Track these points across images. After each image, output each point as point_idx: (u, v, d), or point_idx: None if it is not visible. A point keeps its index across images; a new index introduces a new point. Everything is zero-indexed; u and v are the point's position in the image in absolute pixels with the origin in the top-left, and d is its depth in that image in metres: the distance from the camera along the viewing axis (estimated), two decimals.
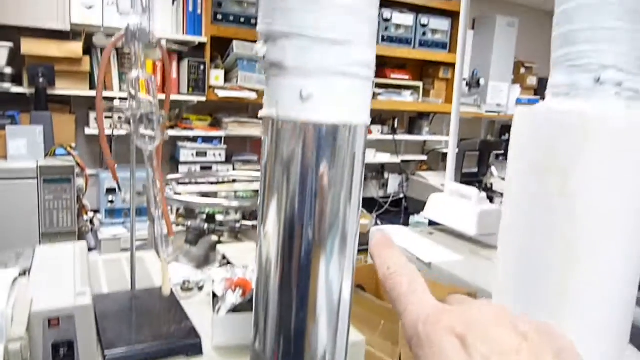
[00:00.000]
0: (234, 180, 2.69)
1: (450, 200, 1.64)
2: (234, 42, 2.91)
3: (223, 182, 2.92)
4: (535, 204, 0.70)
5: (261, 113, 0.62)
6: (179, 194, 2.30)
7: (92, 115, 2.82)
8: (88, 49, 2.72)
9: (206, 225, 1.63)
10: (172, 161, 3.02)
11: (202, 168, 2.97)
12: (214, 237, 1.68)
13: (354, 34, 0.54)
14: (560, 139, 0.66)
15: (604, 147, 0.65)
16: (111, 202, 2.72)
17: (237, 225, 1.69)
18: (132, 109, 0.80)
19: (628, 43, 0.67)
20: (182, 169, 2.91)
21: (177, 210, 1.72)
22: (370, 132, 3.50)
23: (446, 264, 1.34)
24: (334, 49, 0.54)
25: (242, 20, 2.97)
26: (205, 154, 2.97)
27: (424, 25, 3.53)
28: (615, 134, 0.65)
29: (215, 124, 3.10)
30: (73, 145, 2.58)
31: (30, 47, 2.50)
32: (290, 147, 0.57)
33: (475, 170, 3.75)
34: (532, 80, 4.21)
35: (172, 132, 2.90)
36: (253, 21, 2.95)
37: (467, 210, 1.55)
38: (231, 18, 2.96)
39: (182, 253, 1.67)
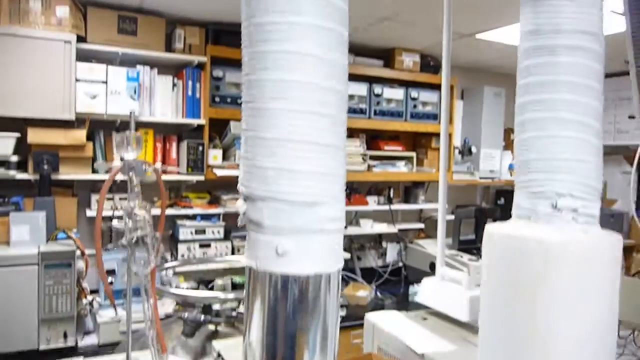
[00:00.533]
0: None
1: (441, 285, 1.67)
2: (231, 123, 3.03)
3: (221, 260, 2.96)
4: (507, 321, 0.74)
5: (242, 261, 0.68)
6: (177, 273, 2.34)
7: (94, 198, 2.89)
8: (91, 134, 2.83)
9: (203, 317, 1.65)
10: (171, 239, 3.07)
11: (201, 245, 3.01)
12: (211, 327, 1.70)
13: (324, 195, 0.61)
14: (525, 263, 0.71)
15: (564, 271, 0.70)
16: (110, 283, 2.73)
17: (234, 313, 1.71)
18: (129, 233, 0.86)
19: (581, 172, 0.73)
20: (181, 247, 2.95)
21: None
22: (366, 203, 3.57)
23: (439, 355, 1.36)
24: (306, 210, 0.60)
25: (239, 101, 3.09)
26: (204, 232, 3.02)
27: (414, 99, 3.68)
28: (574, 258, 0.70)
29: (214, 201, 3.17)
30: (74, 229, 2.64)
31: (36, 136, 2.61)
32: (267, 297, 0.62)
33: (473, 237, 3.79)
34: None
35: (171, 211, 2.97)
36: None
37: (458, 296, 1.58)
38: (228, 100, 3.10)
39: (179, 344, 1.69)
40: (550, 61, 0.76)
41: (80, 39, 2.70)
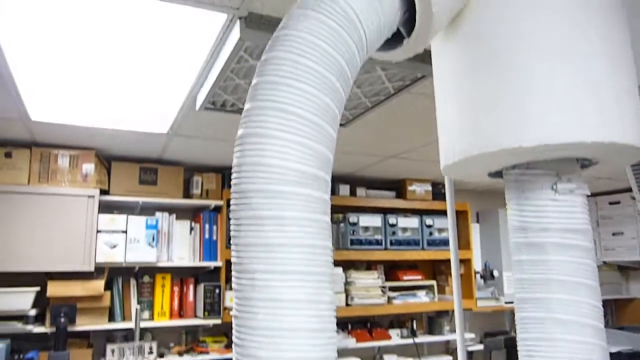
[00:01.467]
0: None
1: None
2: None
3: None
4: None
5: None
6: None
7: (109, 347, 2.85)
8: (109, 281, 2.87)
9: None
10: None
11: None
12: None
13: None
14: None
15: None
16: None
17: None
18: None
19: None
20: None
21: None
22: (389, 337, 3.43)
23: None
24: None
25: None
26: None
27: (429, 226, 3.69)
28: None
29: (231, 345, 3.08)
30: None
31: (55, 289, 2.65)
32: None
33: None
34: None
35: (187, 358, 2.89)
36: None
37: None
38: None
39: None
40: (541, 259, 0.77)
41: (103, 192, 2.85)
